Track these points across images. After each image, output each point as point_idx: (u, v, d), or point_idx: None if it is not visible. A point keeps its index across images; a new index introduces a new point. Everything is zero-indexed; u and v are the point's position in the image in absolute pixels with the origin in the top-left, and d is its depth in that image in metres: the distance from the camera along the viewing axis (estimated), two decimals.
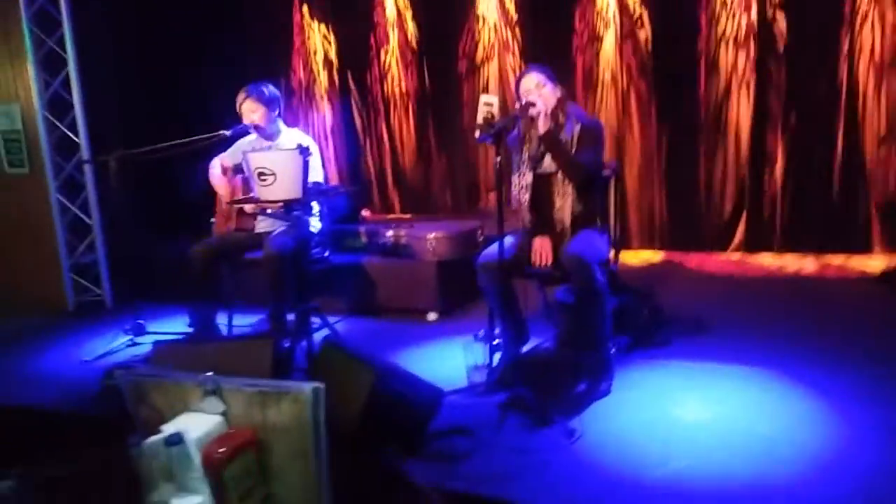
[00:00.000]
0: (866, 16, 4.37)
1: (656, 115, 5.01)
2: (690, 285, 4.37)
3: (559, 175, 2.97)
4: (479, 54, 5.52)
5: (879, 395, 2.59)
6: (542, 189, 3.02)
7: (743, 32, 4.70)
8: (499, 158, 2.71)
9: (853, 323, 3.44)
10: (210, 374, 1.29)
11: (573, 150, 2.93)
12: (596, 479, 2.15)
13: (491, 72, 5.51)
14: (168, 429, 1.22)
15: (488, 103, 2.74)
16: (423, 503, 1.34)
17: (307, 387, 1.23)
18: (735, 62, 4.75)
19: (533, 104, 2.89)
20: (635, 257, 5.05)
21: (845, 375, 2.78)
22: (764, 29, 4.62)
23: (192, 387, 1.30)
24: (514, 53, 5.38)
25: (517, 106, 2.95)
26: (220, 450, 1.20)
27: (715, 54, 4.79)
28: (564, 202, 2.97)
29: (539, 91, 2.92)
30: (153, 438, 1.21)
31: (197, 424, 1.24)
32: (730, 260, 4.80)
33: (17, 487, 0.99)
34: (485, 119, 2.72)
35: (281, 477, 1.26)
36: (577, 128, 2.95)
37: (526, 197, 3.03)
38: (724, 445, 2.31)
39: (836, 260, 4.51)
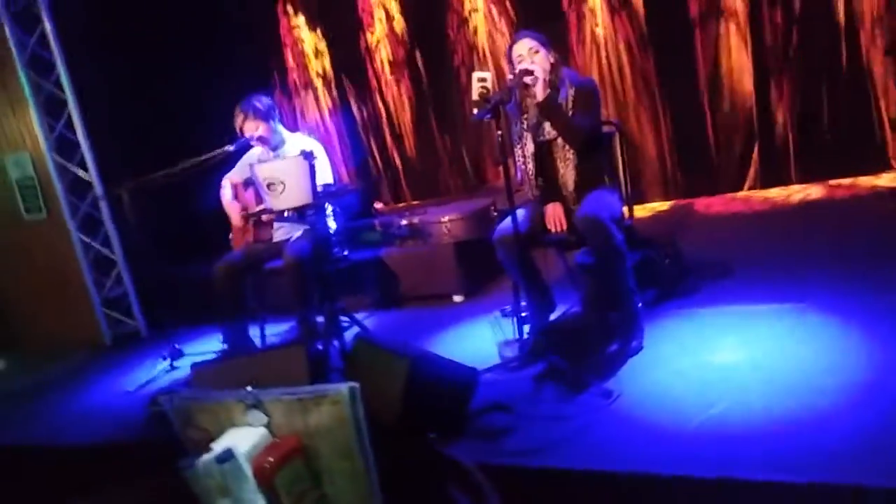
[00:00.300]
0: None
1: (654, 62, 4.95)
2: (707, 229, 4.35)
3: (559, 141, 2.96)
4: (467, 6, 5.48)
5: None
6: (545, 156, 3.02)
7: None
8: (500, 133, 2.71)
9: (876, 245, 3.39)
10: (249, 388, 1.34)
11: (570, 114, 2.92)
12: (638, 435, 2.18)
13: (480, 33, 5.46)
14: (217, 447, 1.28)
15: (482, 79, 2.73)
16: (470, 483, 1.39)
17: (343, 387, 1.27)
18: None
19: (529, 72, 2.88)
20: (650, 209, 5.03)
21: (872, 299, 2.76)
22: None
23: (234, 403, 1.35)
24: (501, 20, 5.34)
25: (510, 76, 2.94)
26: (269, 460, 1.25)
27: None
28: (567, 167, 2.96)
29: (532, 57, 2.90)
30: (205, 458, 1.26)
31: (244, 438, 1.29)
32: (745, 197, 4.75)
33: None
34: (480, 95, 2.71)
35: (330, 477, 1.31)
36: (572, 91, 2.94)
37: (531, 166, 3.03)
38: (760, 384, 2.32)
39: (854, 183, 4.45)
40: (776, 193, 4.64)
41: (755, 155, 4.82)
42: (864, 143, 4.48)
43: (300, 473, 1.29)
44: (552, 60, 2.94)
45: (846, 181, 4.47)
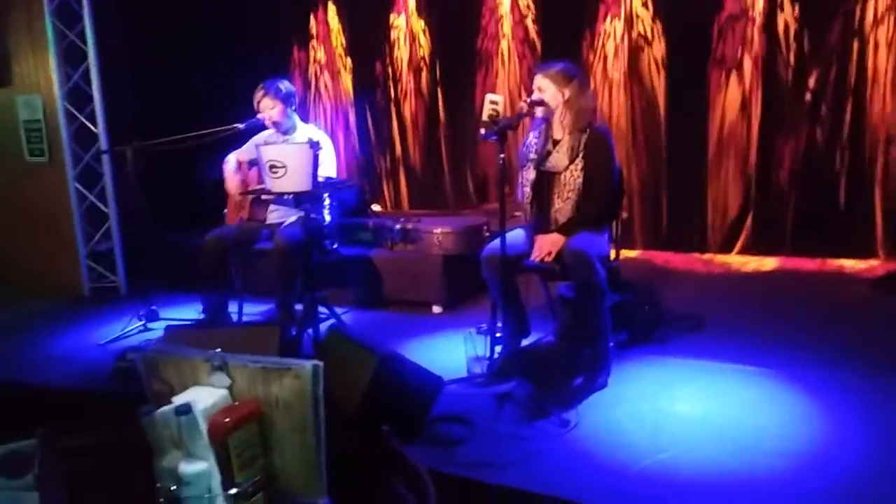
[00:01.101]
0: (879, 26, 4.38)
1: (665, 116, 5.05)
2: (693, 285, 4.42)
3: (562, 176, 3.01)
4: (493, 46, 5.58)
5: (866, 392, 2.65)
6: (544, 186, 3.08)
7: (750, 37, 4.73)
8: (502, 156, 2.80)
9: (848, 324, 3.48)
10: (219, 350, 1.38)
11: (581, 155, 2.97)
12: (586, 467, 2.23)
13: (502, 59, 5.56)
14: (178, 400, 1.31)
15: (494, 102, 2.83)
16: (413, 480, 1.43)
17: (308, 364, 1.31)
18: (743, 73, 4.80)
19: (540, 102, 2.96)
20: (639, 257, 5.10)
21: (836, 374, 2.84)
22: (771, 34, 4.65)
23: (201, 363, 1.38)
24: (528, 51, 5.44)
25: (522, 104, 3.01)
26: (225, 420, 1.28)
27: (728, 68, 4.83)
28: (564, 204, 2.99)
29: (542, 92, 2.97)
30: (164, 408, 1.29)
31: (204, 397, 1.32)
32: (732, 262, 4.83)
33: (40, 447, 1.08)
34: (490, 117, 2.81)
35: (281, 448, 1.34)
36: (586, 134, 2.97)
37: (528, 191, 3.10)
38: (712, 438, 2.38)
39: (839, 263, 4.53)
40: (772, 264, 4.68)
41: (749, 221, 4.90)
42: (855, 229, 4.57)
43: (253, 438, 1.32)
44: (565, 98, 2.96)
45: (841, 262, 4.53)
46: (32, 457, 1.06)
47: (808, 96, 4.62)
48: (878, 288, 4.02)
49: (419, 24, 5.78)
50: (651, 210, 5.19)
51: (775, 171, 4.79)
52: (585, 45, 5.19)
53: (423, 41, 5.80)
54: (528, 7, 5.36)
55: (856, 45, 4.44)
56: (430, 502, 1.34)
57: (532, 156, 3.10)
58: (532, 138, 3.13)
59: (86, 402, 2.77)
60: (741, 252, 4.94)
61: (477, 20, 5.58)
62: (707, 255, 4.99)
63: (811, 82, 4.59)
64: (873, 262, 4.46)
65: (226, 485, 1.28)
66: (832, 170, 4.60)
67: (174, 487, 1.26)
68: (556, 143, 3.05)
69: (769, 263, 4.71)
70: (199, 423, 1.28)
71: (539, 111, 3.01)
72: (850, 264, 4.49)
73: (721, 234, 5.01)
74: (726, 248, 4.99)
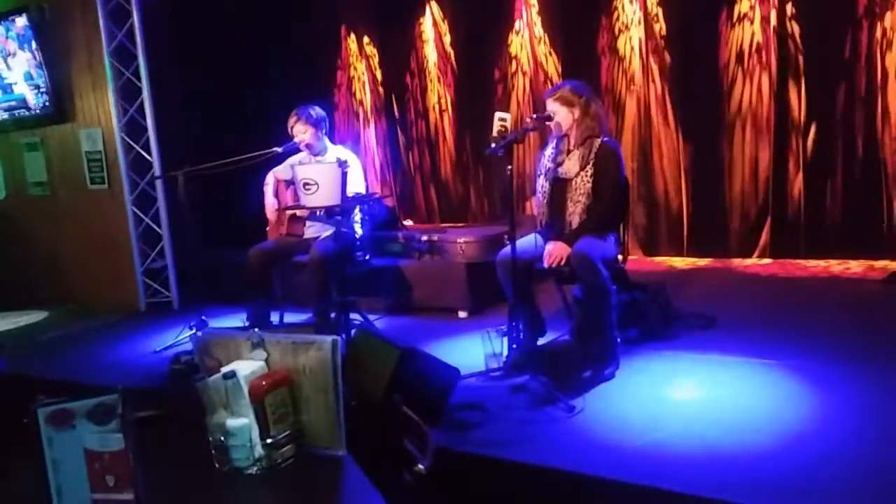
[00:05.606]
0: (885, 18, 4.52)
1: (680, 121, 5.25)
2: (710, 287, 4.57)
3: (573, 182, 3.28)
4: (513, 68, 5.90)
5: (865, 381, 2.79)
6: (557, 193, 3.34)
7: (762, 39, 4.90)
8: (510, 168, 3.07)
9: (857, 319, 3.60)
10: (257, 330, 1.69)
11: (591, 163, 3.23)
12: (587, 444, 2.47)
13: (521, 84, 5.87)
14: (225, 370, 1.62)
15: (502, 119, 3.11)
16: (421, 438, 1.71)
17: (328, 338, 1.62)
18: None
19: (548, 119, 3.24)
20: (662, 262, 5.28)
21: (839, 364, 2.97)
22: (782, 39, 4.82)
23: (243, 341, 1.70)
24: (546, 68, 5.73)
25: (528, 119, 3.29)
26: (262, 383, 1.59)
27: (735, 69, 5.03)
28: (576, 208, 3.26)
29: (555, 115, 3.24)
30: (214, 376, 1.61)
31: (246, 367, 1.64)
32: (751, 265, 4.97)
33: (120, 400, 1.39)
34: (498, 132, 3.09)
35: (307, 407, 1.64)
36: (596, 146, 3.24)
37: (543, 199, 3.36)
38: (706, 419, 2.58)
39: (856, 263, 4.64)
40: (792, 265, 4.82)
41: (768, 224, 5.05)
42: (871, 229, 4.68)
43: (285, 399, 1.62)
44: (575, 116, 3.25)
45: (862, 263, 4.64)
46: (115, 407, 1.37)
47: (820, 98, 4.75)
48: (890, 284, 4.13)
49: (447, 42, 6.13)
50: (673, 217, 5.38)
51: (790, 175, 4.94)
52: (603, 62, 5.46)
53: (451, 61, 6.15)
54: (544, 24, 5.66)
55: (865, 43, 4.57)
56: (429, 453, 1.62)
57: (549, 165, 3.38)
58: (549, 150, 3.41)
59: (148, 398, 3.12)
60: (760, 255, 5.08)
61: (501, 39, 5.91)
62: (727, 260, 5.15)
63: (823, 84, 4.73)
64: (888, 262, 4.55)
65: (263, 436, 1.58)
66: (846, 170, 4.73)
67: (222, 438, 1.57)
68: (568, 152, 3.32)
69: (786, 266, 4.84)
70: (242, 387, 1.59)
71: (552, 127, 3.28)
72: (865, 264, 4.60)
73: (740, 238, 5.16)
74: (746, 252, 5.14)
